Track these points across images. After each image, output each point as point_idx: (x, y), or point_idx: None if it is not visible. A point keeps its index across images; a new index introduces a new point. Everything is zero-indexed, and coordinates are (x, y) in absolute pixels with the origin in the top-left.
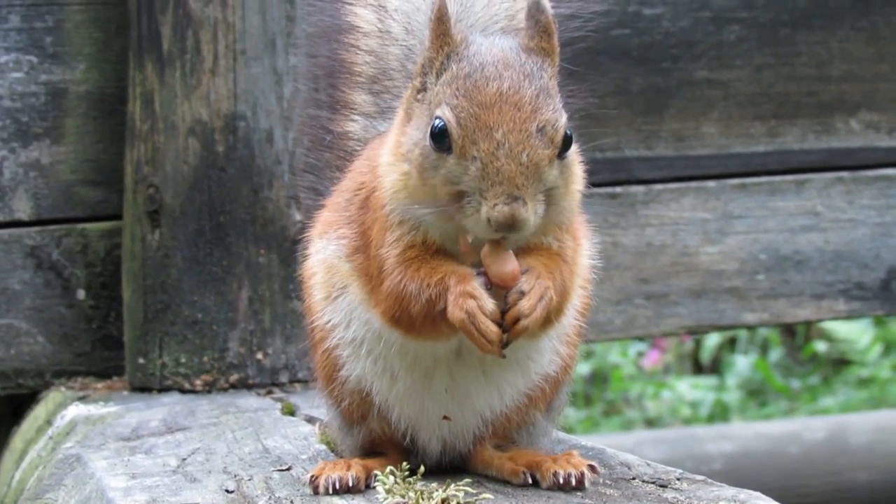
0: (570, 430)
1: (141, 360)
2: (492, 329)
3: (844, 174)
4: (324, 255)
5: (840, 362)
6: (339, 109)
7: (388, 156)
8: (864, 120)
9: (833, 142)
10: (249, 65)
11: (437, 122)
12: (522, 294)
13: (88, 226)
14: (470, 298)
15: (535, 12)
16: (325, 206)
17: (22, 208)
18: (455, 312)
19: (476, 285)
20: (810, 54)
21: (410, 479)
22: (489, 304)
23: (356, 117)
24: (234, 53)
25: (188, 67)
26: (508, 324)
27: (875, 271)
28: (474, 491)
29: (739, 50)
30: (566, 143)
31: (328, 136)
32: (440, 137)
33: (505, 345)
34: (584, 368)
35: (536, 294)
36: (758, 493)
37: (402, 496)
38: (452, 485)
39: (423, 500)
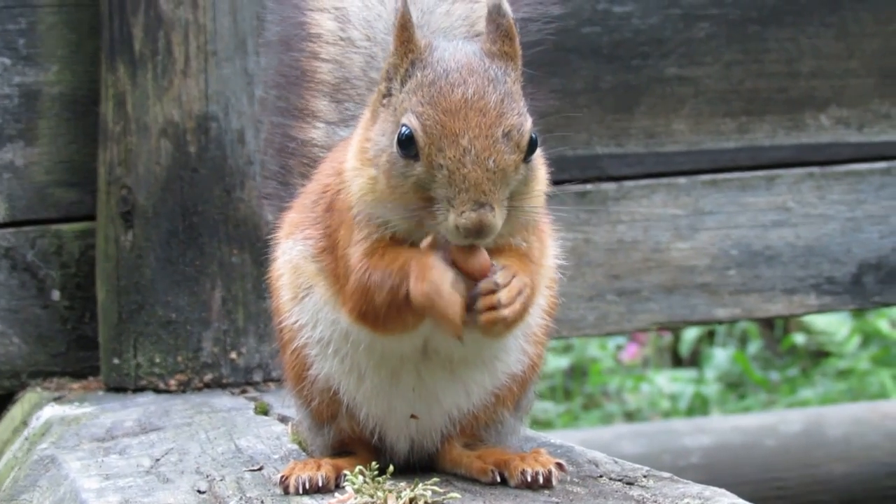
0: (549, 424)
1: (116, 361)
2: (455, 299)
3: (815, 170)
4: (290, 255)
5: (819, 354)
6: (302, 117)
7: (353, 161)
8: (833, 116)
9: (803, 137)
10: (220, 66)
11: (404, 129)
12: (497, 286)
13: (62, 227)
14: (431, 269)
15: (495, 16)
16: (291, 208)
17: None
18: (417, 287)
19: (436, 258)
20: (780, 51)
21: (379, 479)
22: (449, 275)
23: (319, 125)
24: (206, 54)
25: (160, 69)
26: (481, 308)
27: (846, 266)
28: (442, 490)
29: (709, 47)
30: (531, 146)
31: (291, 144)
32: (407, 145)
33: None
34: (562, 362)
35: (516, 288)
36: (722, 490)
37: (371, 496)
38: (420, 484)
39: (391, 499)
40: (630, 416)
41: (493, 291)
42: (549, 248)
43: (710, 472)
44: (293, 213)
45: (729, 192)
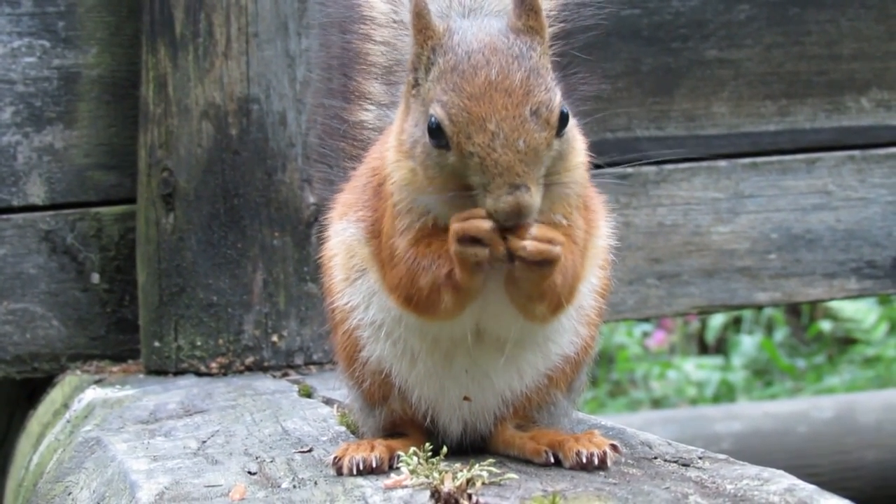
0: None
1: (156, 344)
2: (481, 218)
3: (855, 153)
4: (343, 236)
5: (845, 341)
6: (353, 99)
7: (392, 153)
8: (874, 98)
9: (844, 120)
10: (262, 47)
11: (432, 120)
12: (530, 233)
13: (102, 210)
14: (455, 222)
15: None
16: (343, 189)
17: (36, 193)
18: (451, 247)
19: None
20: (820, 33)
21: (433, 460)
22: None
23: (370, 107)
24: (247, 36)
25: (201, 51)
26: (511, 239)
27: (886, 249)
28: (498, 471)
29: (749, 29)
30: (563, 121)
31: (342, 126)
32: (437, 135)
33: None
34: None
35: (549, 234)
36: (781, 472)
37: (427, 476)
38: (476, 465)
39: (447, 480)
40: (657, 403)
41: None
42: (600, 228)
43: (742, 458)
44: (346, 194)
45: (769, 175)
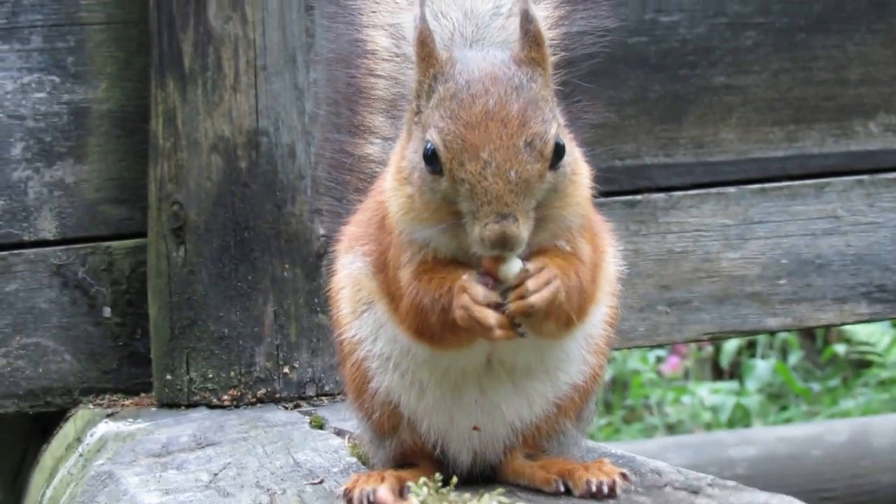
0: (591, 438)
1: (168, 376)
2: (487, 313)
3: (864, 177)
4: (350, 269)
5: (860, 364)
6: (359, 133)
7: (391, 180)
8: (882, 123)
9: (852, 145)
10: (270, 80)
11: (428, 145)
12: (528, 271)
13: (113, 244)
14: (462, 293)
15: (524, 22)
16: (350, 222)
17: (47, 228)
18: (456, 313)
19: (467, 278)
20: (827, 58)
21: (443, 490)
22: (479, 290)
23: (375, 140)
24: (255, 69)
25: (210, 84)
26: (512, 299)
27: None
28: (508, 500)
29: (756, 55)
30: (558, 153)
31: (348, 159)
32: (432, 160)
33: (515, 325)
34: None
35: (545, 277)
36: (790, 498)
37: None
38: (486, 494)
39: None
40: (671, 429)
41: (523, 283)
42: (609, 254)
43: (756, 483)
44: (352, 227)
45: (778, 200)
